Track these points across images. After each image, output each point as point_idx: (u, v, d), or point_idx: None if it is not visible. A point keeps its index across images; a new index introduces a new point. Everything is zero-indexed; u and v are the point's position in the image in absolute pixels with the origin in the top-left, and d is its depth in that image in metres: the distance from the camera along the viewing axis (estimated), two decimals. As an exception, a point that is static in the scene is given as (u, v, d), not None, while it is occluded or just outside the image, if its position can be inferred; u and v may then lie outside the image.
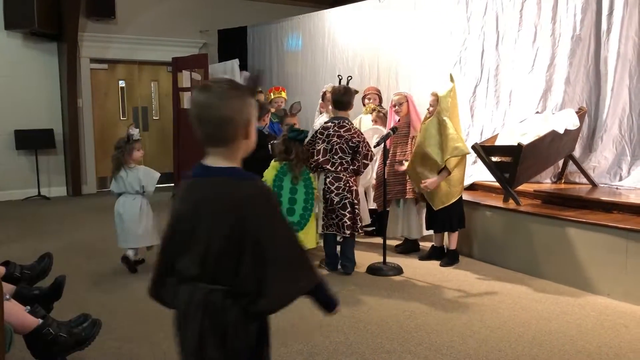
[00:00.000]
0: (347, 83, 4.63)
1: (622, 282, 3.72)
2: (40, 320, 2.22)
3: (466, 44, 5.81)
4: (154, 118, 10.01)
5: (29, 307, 2.27)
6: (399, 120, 4.93)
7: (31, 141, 8.53)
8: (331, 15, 7.82)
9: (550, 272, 4.19)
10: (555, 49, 5.12)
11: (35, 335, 2.19)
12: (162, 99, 9.98)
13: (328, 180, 4.37)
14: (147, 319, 3.46)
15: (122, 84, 9.71)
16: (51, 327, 2.22)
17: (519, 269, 4.40)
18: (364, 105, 5.78)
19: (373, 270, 4.40)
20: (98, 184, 9.37)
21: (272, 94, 6.28)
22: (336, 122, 4.39)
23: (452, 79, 4.52)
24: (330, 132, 4.35)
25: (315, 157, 4.36)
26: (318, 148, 4.37)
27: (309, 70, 8.22)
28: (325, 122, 4.51)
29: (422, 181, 4.41)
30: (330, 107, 5.17)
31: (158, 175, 4.66)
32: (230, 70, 8.68)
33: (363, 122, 5.51)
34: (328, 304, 1.76)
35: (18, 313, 2.18)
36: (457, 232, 4.63)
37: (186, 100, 9.30)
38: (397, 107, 4.87)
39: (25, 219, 6.99)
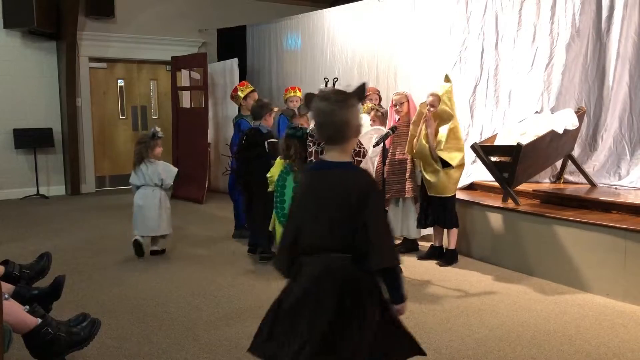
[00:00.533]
0: (334, 85, 4.63)
1: (621, 281, 3.72)
2: (39, 320, 2.22)
3: (466, 44, 5.81)
4: (153, 117, 10.00)
5: (27, 307, 2.27)
6: (398, 119, 4.93)
7: (30, 140, 8.51)
8: (330, 15, 7.81)
9: (549, 272, 4.19)
10: (554, 49, 5.11)
11: (34, 335, 2.19)
12: (161, 98, 9.97)
13: None
14: (147, 318, 3.47)
15: (121, 83, 9.70)
16: (50, 326, 2.22)
17: (518, 269, 4.40)
18: (362, 104, 5.79)
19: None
20: (97, 183, 9.37)
21: (287, 92, 6.27)
22: None
23: (448, 79, 4.53)
24: None
25: (308, 160, 4.36)
26: (310, 150, 4.38)
27: (308, 70, 8.21)
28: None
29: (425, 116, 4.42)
30: None
31: (176, 170, 5.07)
32: (229, 69, 8.68)
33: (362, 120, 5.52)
34: (394, 294, 2.04)
35: (17, 312, 2.18)
36: (456, 232, 4.63)
37: (185, 99, 9.31)
38: (397, 106, 4.87)
39: (23, 218, 6.98)
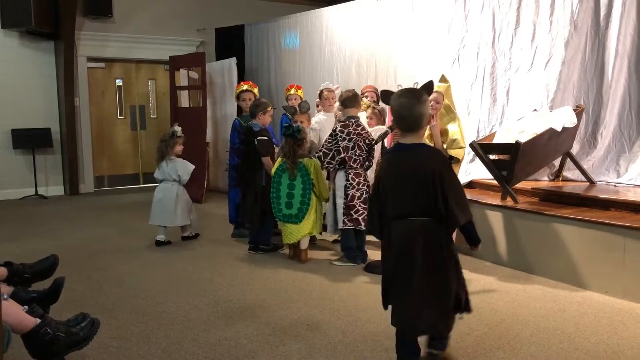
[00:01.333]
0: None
1: (620, 279, 3.73)
2: (38, 320, 2.22)
3: (464, 42, 5.80)
4: (152, 116, 10.00)
5: (27, 307, 2.26)
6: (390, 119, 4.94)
7: (28, 140, 8.51)
8: (329, 14, 7.81)
9: (548, 270, 4.19)
10: (552, 47, 5.11)
11: (33, 335, 2.18)
12: (159, 98, 9.97)
13: (350, 176, 4.52)
14: (146, 318, 3.47)
15: (119, 82, 9.69)
16: (49, 326, 2.22)
17: (517, 267, 4.41)
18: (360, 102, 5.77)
19: (371, 267, 4.40)
20: (96, 183, 9.36)
21: (288, 90, 6.28)
22: (353, 120, 4.55)
23: (445, 80, 4.53)
24: (350, 130, 4.49)
25: (343, 154, 4.49)
26: (343, 145, 4.48)
27: (307, 69, 8.21)
28: (343, 121, 4.57)
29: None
30: (333, 105, 5.40)
31: (192, 167, 5.51)
32: (227, 68, 8.67)
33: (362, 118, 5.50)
34: (473, 239, 2.69)
35: (16, 312, 2.17)
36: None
37: (183, 99, 9.30)
38: None
39: (22, 219, 6.97)
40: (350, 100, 4.61)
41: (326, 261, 4.76)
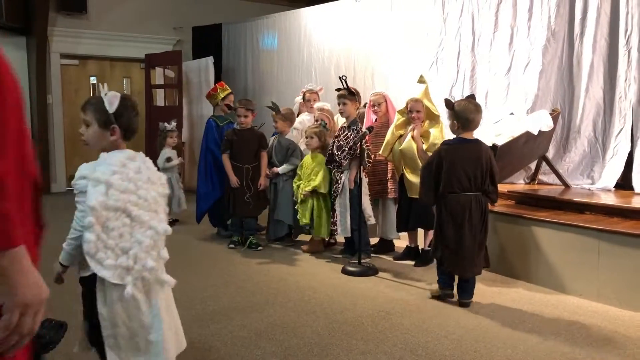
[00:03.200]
0: (346, 81, 4.71)
1: (594, 282, 3.75)
2: (2, 323, 2.12)
3: (443, 45, 5.83)
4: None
5: (-11, 309, 2.16)
6: (376, 119, 4.91)
7: (-2, 138, 8.27)
8: (307, 14, 7.77)
9: (523, 273, 4.21)
10: (530, 51, 5.15)
11: (-4, 338, 2.08)
12: (134, 96, 9.77)
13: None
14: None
15: (93, 80, 9.50)
16: (13, 329, 2.12)
17: (493, 269, 4.39)
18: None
19: (348, 270, 4.37)
20: (68, 181, 9.16)
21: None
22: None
23: (423, 80, 4.52)
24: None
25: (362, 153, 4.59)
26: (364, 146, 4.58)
27: (285, 70, 8.16)
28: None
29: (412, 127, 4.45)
30: (313, 106, 5.46)
31: (166, 155, 6.33)
32: (204, 68, 8.58)
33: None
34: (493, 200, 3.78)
35: (-23, 315, 2.07)
36: (431, 232, 4.61)
37: (159, 97, 9.16)
38: (376, 107, 4.86)
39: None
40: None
41: (304, 262, 4.71)
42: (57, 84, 8.89)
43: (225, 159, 5.18)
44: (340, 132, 4.72)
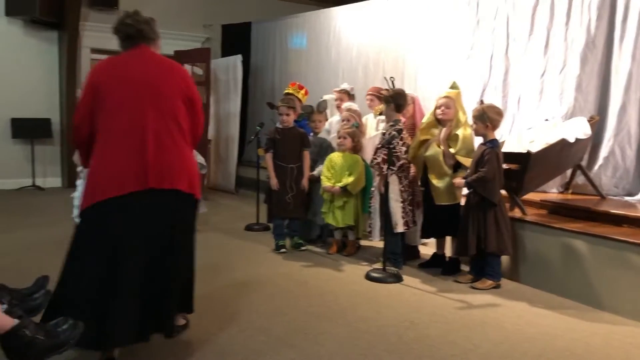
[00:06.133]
0: (392, 84, 4.59)
1: (631, 299, 3.57)
2: (17, 321, 2.08)
3: (475, 47, 5.67)
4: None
5: (5, 306, 2.12)
6: (404, 121, 4.79)
7: (28, 130, 8.38)
8: (337, 14, 7.68)
9: (555, 286, 4.04)
10: (567, 55, 4.96)
11: (10, 337, 2.04)
12: (162, 93, 9.82)
13: (402, 179, 4.50)
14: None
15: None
16: (28, 328, 2.07)
17: (523, 281, 4.26)
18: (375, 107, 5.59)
19: (371, 277, 4.26)
20: (94, 176, 9.22)
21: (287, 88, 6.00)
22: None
23: (456, 87, 4.39)
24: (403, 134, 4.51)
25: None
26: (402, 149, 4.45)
27: (312, 69, 8.07)
28: (395, 124, 4.51)
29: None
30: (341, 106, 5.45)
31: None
32: (232, 66, 8.56)
33: (368, 122, 5.36)
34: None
35: (-8, 312, 2.04)
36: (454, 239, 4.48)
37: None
38: None
39: (18, 209, 6.84)
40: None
41: (327, 265, 4.61)
42: (87, 79, 8.94)
43: (269, 158, 5.07)
44: (382, 136, 4.57)
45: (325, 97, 5.84)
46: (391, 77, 4.58)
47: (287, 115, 5.02)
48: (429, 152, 4.33)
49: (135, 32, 2.80)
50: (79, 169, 2.89)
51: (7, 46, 8.28)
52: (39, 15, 8.02)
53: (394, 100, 4.45)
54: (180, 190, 2.62)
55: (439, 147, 4.31)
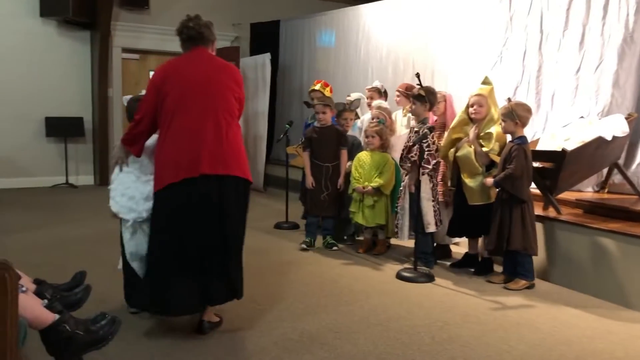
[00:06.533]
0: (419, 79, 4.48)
1: (672, 301, 3.47)
2: (57, 316, 2.11)
3: (507, 44, 5.58)
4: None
5: (46, 301, 2.16)
6: (436, 120, 4.74)
7: (61, 129, 8.55)
8: (366, 11, 7.63)
9: (591, 286, 3.95)
10: (604, 50, 4.85)
11: (50, 332, 2.08)
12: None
13: (433, 179, 4.48)
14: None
15: (152, 74, 9.66)
16: (68, 323, 2.11)
17: (557, 281, 4.18)
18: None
19: (403, 276, 4.22)
20: (124, 174, 9.35)
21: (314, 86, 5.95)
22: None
23: (488, 81, 4.31)
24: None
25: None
26: (435, 148, 4.43)
27: (341, 68, 8.05)
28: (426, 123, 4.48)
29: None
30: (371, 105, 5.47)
31: None
32: (261, 64, 8.57)
33: (398, 119, 5.33)
34: None
35: (34, 307, 2.07)
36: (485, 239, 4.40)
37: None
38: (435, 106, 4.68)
39: (51, 207, 6.98)
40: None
41: (357, 264, 4.59)
42: (118, 78, 9.09)
43: (306, 157, 5.11)
44: (413, 132, 4.54)
45: (353, 95, 5.81)
46: (417, 74, 4.51)
47: (324, 113, 5.02)
48: (461, 152, 4.27)
49: (196, 34, 3.09)
50: (114, 161, 3.09)
51: (41, 46, 8.45)
52: (71, 16, 8.18)
53: (423, 98, 4.40)
54: (234, 175, 2.95)
55: (470, 146, 4.24)
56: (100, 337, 2.17)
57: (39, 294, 2.39)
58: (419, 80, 4.44)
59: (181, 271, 2.90)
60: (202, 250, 2.91)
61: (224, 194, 2.93)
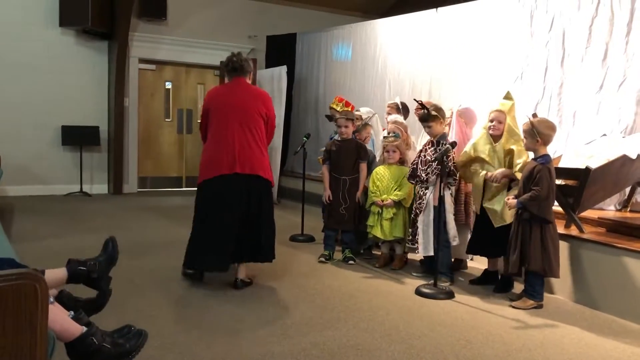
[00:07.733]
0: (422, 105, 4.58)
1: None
2: (84, 328, 2.08)
3: (528, 60, 5.55)
4: (198, 121, 9.94)
5: (72, 313, 2.14)
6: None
7: (77, 137, 8.59)
8: (383, 25, 7.64)
9: (616, 307, 3.88)
10: (627, 68, 4.81)
11: (78, 344, 2.05)
12: (207, 103, 9.94)
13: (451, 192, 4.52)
14: (189, 326, 3.32)
15: (168, 85, 9.73)
16: (95, 336, 2.08)
17: (580, 301, 4.10)
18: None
19: (422, 292, 4.17)
20: (139, 183, 9.38)
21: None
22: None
23: (510, 97, 4.28)
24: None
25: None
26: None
27: (358, 81, 8.05)
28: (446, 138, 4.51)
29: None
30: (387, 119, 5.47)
31: None
32: (277, 76, 8.59)
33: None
34: None
35: (62, 319, 2.04)
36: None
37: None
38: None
39: (66, 215, 6.98)
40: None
41: (375, 279, 4.54)
42: (134, 88, 9.14)
43: (325, 170, 5.14)
44: (427, 147, 4.54)
45: (362, 110, 5.79)
46: (415, 99, 4.67)
47: (346, 127, 5.03)
48: (477, 180, 4.26)
49: (238, 67, 4.09)
50: None
51: (60, 55, 8.52)
52: (90, 26, 8.25)
53: (436, 117, 4.42)
54: (259, 175, 4.04)
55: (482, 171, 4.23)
56: (126, 350, 2.14)
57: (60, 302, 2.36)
58: (421, 103, 4.47)
59: (216, 239, 3.96)
60: (233, 223, 3.95)
61: (251, 187, 4.00)
